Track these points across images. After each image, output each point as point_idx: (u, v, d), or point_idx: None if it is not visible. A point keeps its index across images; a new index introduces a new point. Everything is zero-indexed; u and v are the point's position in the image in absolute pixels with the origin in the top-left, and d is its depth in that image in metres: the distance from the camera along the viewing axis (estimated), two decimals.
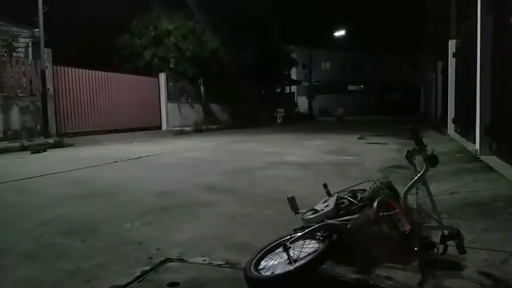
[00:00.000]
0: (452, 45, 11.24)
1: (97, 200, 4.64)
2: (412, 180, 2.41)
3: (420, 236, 2.36)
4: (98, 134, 14.98)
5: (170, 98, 19.28)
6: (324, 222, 2.37)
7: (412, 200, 3.66)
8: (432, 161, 2.30)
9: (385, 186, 2.76)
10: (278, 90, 33.25)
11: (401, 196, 2.46)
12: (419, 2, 25.81)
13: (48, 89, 12.83)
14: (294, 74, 40.25)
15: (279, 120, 25.63)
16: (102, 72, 15.75)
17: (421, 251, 2.31)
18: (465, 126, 8.98)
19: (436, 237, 2.49)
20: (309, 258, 2.19)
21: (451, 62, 11.18)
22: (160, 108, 18.87)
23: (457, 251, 2.33)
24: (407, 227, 2.29)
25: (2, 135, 11.62)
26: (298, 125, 23.09)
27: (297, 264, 2.16)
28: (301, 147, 10.32)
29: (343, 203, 2.66)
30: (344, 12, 41.63)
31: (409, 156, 2.30)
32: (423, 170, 2.32)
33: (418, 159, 2.40)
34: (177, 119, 19.66)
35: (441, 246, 2.36)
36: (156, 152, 9.76)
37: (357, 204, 2.56)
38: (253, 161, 7.80)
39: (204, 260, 2.72)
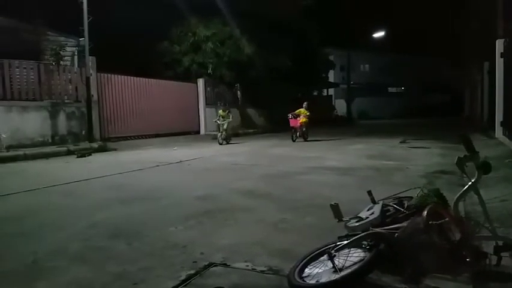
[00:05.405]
0: (500, 44, 10.76)
1: (141, 204, 4.77)
2: (463, 187, 2.32)
3: (472, 246, 2.26)
4: (139, 138, 15.40)
5: (208, 102, 19.56)
6: (371, 231, 2.32)
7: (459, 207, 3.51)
8: (485, 168, 2.21)
9: (432, 193, 2.66)
10: (315, 93, 32.96)
11: (451, 204, 2.37)
12: (462, 2, 24.86)
13: (93, 95, 13.33)
14: (331, 76, 39.82)
15: (221, 136, 13.80)
16: (143, 79, 16.22)
17: (473, 261, 2.22)
18: None
19: (487, 247, 2.39)
20: (355, 267, 2.15)
21: (499, 62, 10.70)
22: (198, 113, 19.18)
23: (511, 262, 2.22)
24: (458, 237, 2.21)
25: (50, 140, 12.18)
26: (336, 129, 22.57)
27: (342, 273, 2.13)
28: (341, 152, 10.17)
29: (388, 210, 2.59)
30: (383, 13, 40.86)
31: (460, 163, 2.21)
32: (475, 177, 2.23)
33: (469, 166, 2.31)
34: (214, 123, 19.89)
35: (494, 257, 2.25)
36: (195, 156, 9.91)
37: (403, 212, 2.49)
38: (291, 165, 7.77)
39: (247, 266, 2.73)
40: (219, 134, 13.92)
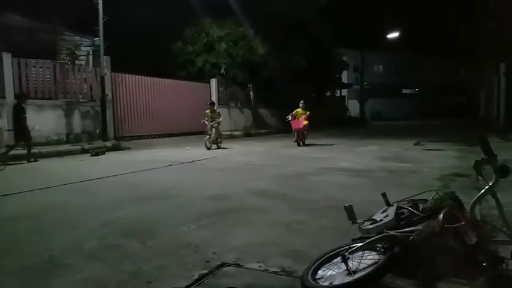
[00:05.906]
0: None
1: (154, 203, 4.81)
2: (479, 191, 2.29)
3: (488, 250, 2.23)
4: (153, 137, 15.52)
5: (220, 102, 19.60)
6: (385, 234, 2.29)
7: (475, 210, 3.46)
8: (503, 171, 2.17)
9: (448, 196, 2.62)
10: (328, 94, 32.80)
11: (467, 207, 2.34)
12: (478, 2, 24.42)
13: (107, 94, 13.48)
14: (345, 77, 39.57)
15: (208, 139, 12.09)
16: (157, 79, 16.36)
17: (489, 266, 2.18)
18: None
19: (504, 252, 2.34)
20: (369, 270, 2.14)
21: None
22: None
23: None
24: (474, 241, 2.17)
25: (65, 139, 12.35)
26: (349, 130, 22.39)
27: (356, 276, 2.11)
28: (354, 153, 10.10)
29: (403, 213, 2.56)
30: (398, 13, 40.42)
31: (478, 166, 2.18)
32: (493, 181, 2.19)
33: (487, 169, 2.27)
34: (227, 123, 19.91)
35: (511, 262, 2.22)
36: (208, 156, 9.96)
37: (418, 215, 2.45)
38: (304, 166, 7.75)
39: (260, 266, 2.73)
40: (207, 136, 12.11)
